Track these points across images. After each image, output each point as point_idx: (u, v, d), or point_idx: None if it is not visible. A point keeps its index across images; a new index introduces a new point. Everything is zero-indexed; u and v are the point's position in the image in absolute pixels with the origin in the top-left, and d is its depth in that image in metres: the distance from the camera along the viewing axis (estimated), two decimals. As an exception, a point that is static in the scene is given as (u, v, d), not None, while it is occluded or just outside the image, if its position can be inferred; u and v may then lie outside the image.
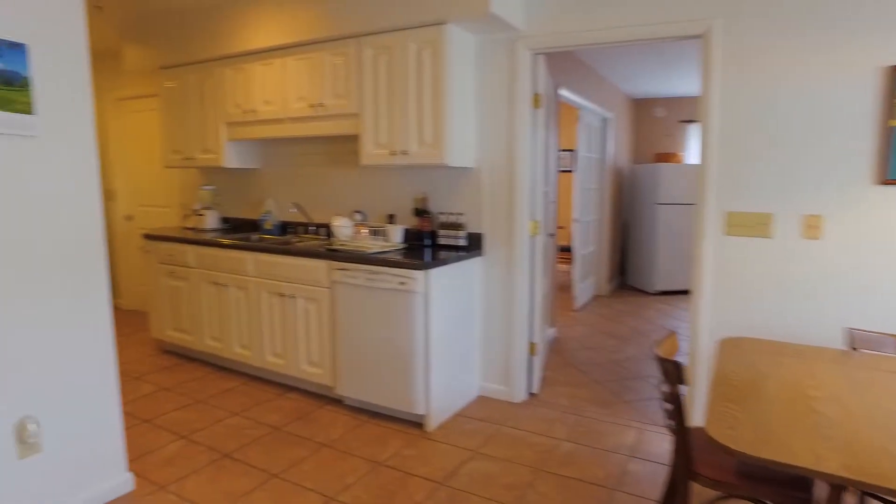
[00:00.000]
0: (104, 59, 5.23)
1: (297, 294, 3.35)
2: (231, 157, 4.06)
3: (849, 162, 2.46)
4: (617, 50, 4.78)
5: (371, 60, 3.23)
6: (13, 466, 2.03)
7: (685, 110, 7.33)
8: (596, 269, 6.45)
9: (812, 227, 2.54)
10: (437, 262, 2.95)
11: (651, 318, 5.51)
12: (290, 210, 4.19)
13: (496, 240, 3.35)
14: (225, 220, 4.58)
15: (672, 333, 2.01)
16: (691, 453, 1.80)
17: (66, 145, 2.14)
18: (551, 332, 4.69)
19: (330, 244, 3.47)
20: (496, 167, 3.30)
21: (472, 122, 3.31)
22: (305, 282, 3.31)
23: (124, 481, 2.41)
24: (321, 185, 4.04)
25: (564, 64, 4.71)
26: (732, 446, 1.29)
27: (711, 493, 2.34)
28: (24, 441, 2.05)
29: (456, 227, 3.40)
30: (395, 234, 3.48)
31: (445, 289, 3.05)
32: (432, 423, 3.02)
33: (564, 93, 4.66)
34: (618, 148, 6.80)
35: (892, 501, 2.00)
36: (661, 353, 1.79)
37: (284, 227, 4.22)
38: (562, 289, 6.45)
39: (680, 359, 1.81)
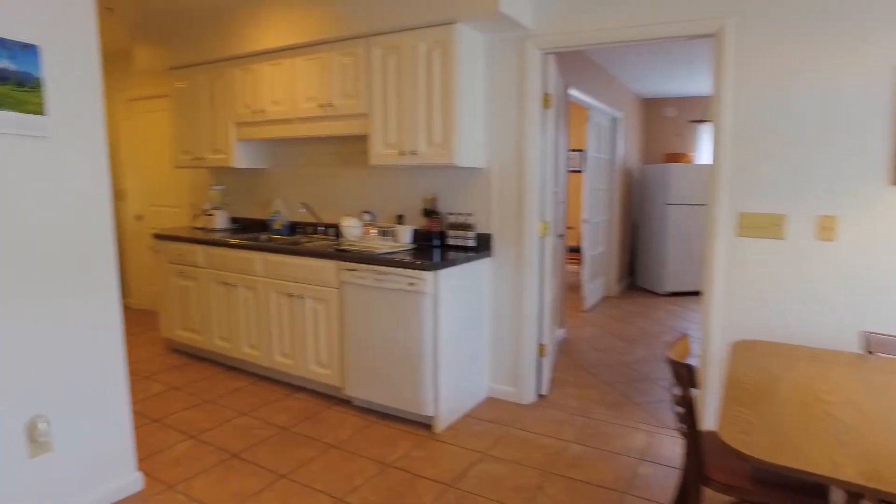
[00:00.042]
0: (115, 60, 5.26)
1: (305, 294, 3.36)
2: (240, 158, 4.07)
3: (864, 162, 2.42)
4: (627, 49, 4.75)
5: (380, 60, 3.22)
6: (24, 465, 2.04)
7: (696, 110, 7.27)
8: (605, 269, 6.42)
9: (826, 228, 2.51)
10: (446, 262, 2.94)
11: (661, 319, 5.47)
12: (299, 210, 4.19)
13: (505, 240, 3.33)
14: (234, 220, 4.59)
15: (684, 336, 1.99)
16: (703, 457, 1.78)
17: (77, 146, 2.15)
18: (560, 333, 4.67)
19: (339, 244, 3.47)
20: (505, 167, 3.29)
21: (482, 123, 3.29)
22: (314, 282, 3.31)
23: (134, 480, 2.42)
24: (330, 186, 4.04)
25: (574, 63, 4.68)
26: (747, 452, 1.27)
27: (724, 499, 2.31)
28: (35, 440, 2.06)
29: (465, 227, 3.38)
30: (404, 235, 3.47)
31: (454, 289, 3.04)
32: (441, 425, 3.01)
33: (574, 92, 4.63)
34: (628, 148, 6.76)
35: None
36: (673, 355, 1.77)
37: (293, 228, 4.23)
38: (571, 289, 6.42)
39: (691, 361, 1.79)
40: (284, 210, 4.27)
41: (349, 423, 3.09)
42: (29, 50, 1.98)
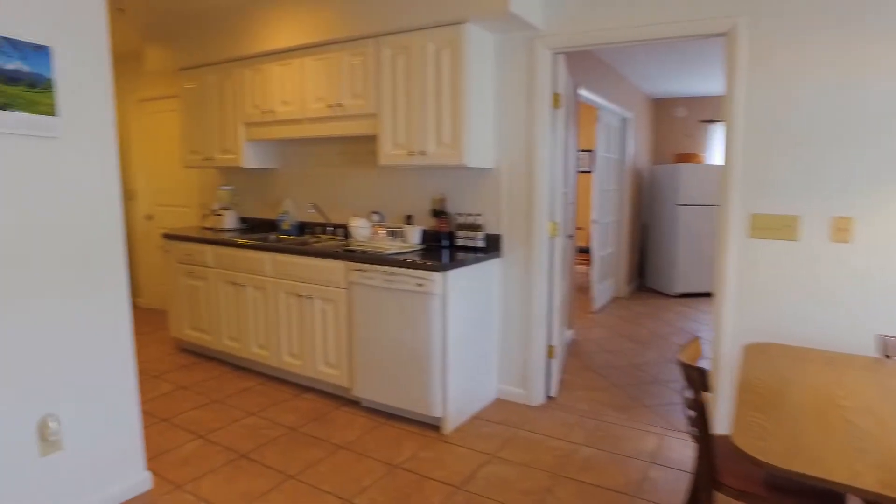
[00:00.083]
0: (126, 61, 5.29)
1: (314, 294, 3.35)
2: (249, 158, 4.08)
3: (880, 162, 2.38)
4: (637, 49, 4.71)
5: (389, 60, 3.21)
6: (36, 464, 2.05)
7: (706, 110, 7.21)
8: (614, 270, 6.38)
9: (841, 229, 2.47)
10: (454, 263, 2.93)
11: (671, 320, 5.43)
12: (308, 210, 4.20)
13: (514, 241, 3.32)
14: (243, 220, 4.60)
15: (695, 338, 1.96)
16: (715, 462, 1.75)
17: (87, 146, 2.16)
18: (569, 334, 4.64)
19: (347, 245, 3.47)
20: (515, 168, 3.27)
21: (491, 123, 3.28)
22: (323, 282, 3.30)
23: (143, 480, 2.42)
24: (339, 186, 4.04)
25: (584, 63, 4.65)
26: (762, 458, 1.24)
27: None
28: (46, 439, 2.07)
29: (474, 228, 3.37)
30: (413, 235, 3.46)
31: (463, 290, 3.03)
32: (449, 426, 3.00)
33: (584, 92, 4.61)
34: (637, 148, 6.72)
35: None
36: (685, 358, 1.75)
37: (302, 228, 4.23)
38: (580, 290, 6.39)
39: (703, 364, 1.76)
40: (293, 210, 4.27)
41: (357, 424, 3.08)
42: (41, 51, 1.99)
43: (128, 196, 5.58)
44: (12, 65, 1.91)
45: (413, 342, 2.97)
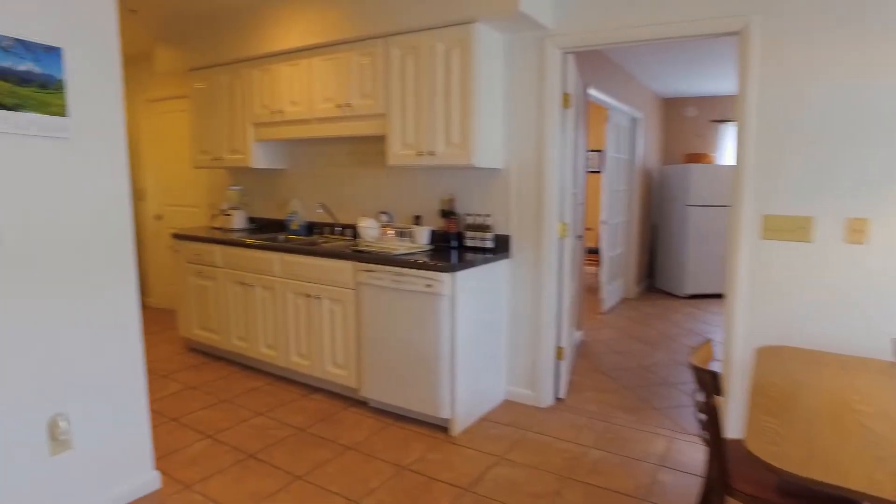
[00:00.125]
0: (136, 62, 5.32)
1: (322, 295, 3.35)
2: (258, 158, 4.09)
3: (895, 162, 2.35)
4: (647, 48, 4.68)
5: (398, 60, 3.20)
6: (46, 463, 2.06)
7: (717, 109, 7.15)
8: (624, 271, 6.34)
9: (856, 230, 2.43)
10: (463, 264, 2.91)
11: (680, 322, 5.38)
12: (317, 210, 4.20)
13: (524, 242, 3.30)
14: (252, 220, 4.62)
15: (707, 341, 1.94)
16: (727, 466, 1.73)
17: (97, 147, 2.17)
18: (578, 335, 4.61)
19: (356, 245, 3.46)
20: (524, 168, 3.25)
21: (500, 123, 3.26)
22: (331, 283, 3.30)
23: (151, 479, 2.43)
24: (347, 186, 4.03)
25: (593, 62, 4.62)
26: (777, 465, 1.22)
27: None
28: (56, 438, 2.08)
29: (483, 228, 3.35)
30: (422, 236, 3.45)
31: (472, 291, 3.01)
32: (457, 428, 2.99)
33: (593, 92, 4.58)
34: (647, 148, 6.67)
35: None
36: (697, 361, 1.73)
37: (310, 228, 4.23)
38: (589, 291, 6.35)
39: (714, 366, 1.74)
40: (302, 210, 4.27)
41: (365, 425, 3.08)
42: (52, 52, 2.00)
43: (138, 196, 5.61)
44: (24, 66, 1.92)
45: (421, 343, 2.96)
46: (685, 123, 7.37)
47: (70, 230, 2.10)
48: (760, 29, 2.55)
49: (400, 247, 3.29)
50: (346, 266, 3.22)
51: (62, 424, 2.08)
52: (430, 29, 3.07)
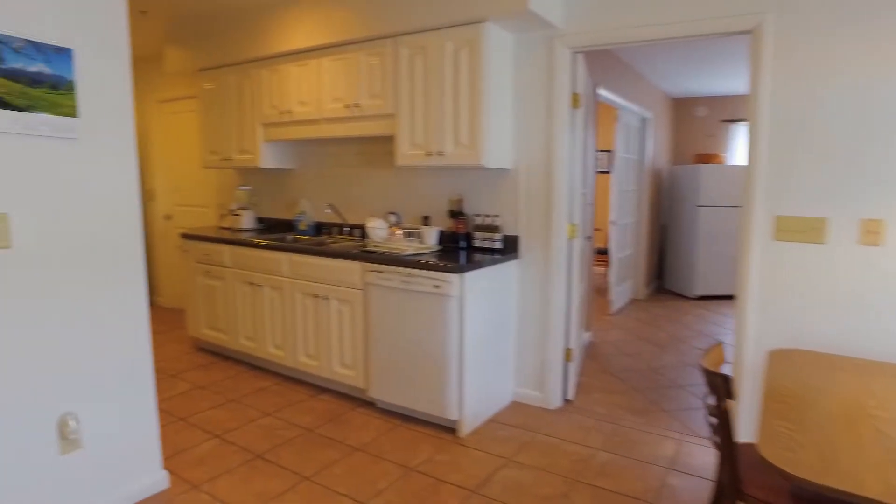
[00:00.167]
0: (146, 63, 5.35)
1: (330, 295, 3.35)
2: (267, 158, 4.10)
3: (912, 164, 2.31)
4: (657, 48, 4.64)
5: (407, 60, 3.20)
6: (55, 462, 2.06)
7: (727, 109, 7.09)
8: (633, 272, 6.30)
9: (871, 232, 2.39)
10: (472, 264, 2.90)
11: (690, 323, 5.34)
12: (325, 211, 4.20)
13: (532, 242, 3.28)
14: (260, 220, 4.63)
15: (718, 343, 1.92)
16: (739, 471, 1.71)
17: (107, 147, 2.17)
18: (587, 336, 4.58)
19: (364, 245, 3.46)
20: (533, 168, 3.23)
21: (510, 123, 3.24)
22: (339, 283, 3.30)
23: (159, 479, 2.43)
24: (356, 186, 4.03)
25: (603, 62, 4.60)
26: (792, 472, 1.20)
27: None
28: (66, 437, 2.09)
29: (491, 229, 3.34)
30: (430, 236, 3.44)
31: (481, 292, 3.00)
32: (465, 429, 2.97)
33: (603, 92, 4.55)
34: (657, 148, 6.63)
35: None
36: (708, 364, 1.71)
37: (319, 228, 4.24)
38: (598, 292, 6.32)
39: (725, 369, 1.71)
40: (310, 210, 4.28)
41: (373, 426, 3.07)
42: (63, 53, 2.01)
43: (147, 196, 5.64)
44: (35, 67, 1.93)
45: (429, 344, 2.95)
46: (695, 123, 7.32)
47: (80, 230, 2.11)
48: (773, 27, 2.52)
49: (408, 247, 3.28)
50: (354, 266, 3.21)
51: (71, 423, 2.09)
52: (439, 28, 3.06)
